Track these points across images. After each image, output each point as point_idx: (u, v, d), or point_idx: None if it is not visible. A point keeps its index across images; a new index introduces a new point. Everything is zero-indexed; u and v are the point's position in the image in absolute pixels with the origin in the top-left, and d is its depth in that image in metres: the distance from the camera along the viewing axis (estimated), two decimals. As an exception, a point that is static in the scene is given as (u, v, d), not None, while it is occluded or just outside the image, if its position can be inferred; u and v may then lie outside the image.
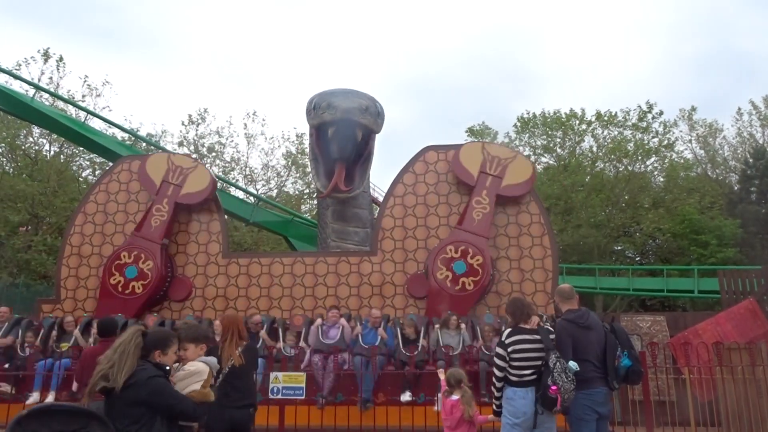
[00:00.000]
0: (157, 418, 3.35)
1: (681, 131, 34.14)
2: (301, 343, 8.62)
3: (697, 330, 10.61)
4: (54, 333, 8.98)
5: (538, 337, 4.92)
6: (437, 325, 8.51)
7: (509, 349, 4.89)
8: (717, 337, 9.93)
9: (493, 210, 9.71)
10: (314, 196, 28.36)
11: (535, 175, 10.24)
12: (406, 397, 7.70)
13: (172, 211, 10.18)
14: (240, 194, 25.17)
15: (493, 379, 5.04)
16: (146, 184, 10.54)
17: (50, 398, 7.85)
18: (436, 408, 6.83)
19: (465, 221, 9.60)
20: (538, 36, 62.34)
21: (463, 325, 8.53)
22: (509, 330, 5.04)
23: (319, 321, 8.63)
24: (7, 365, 8.59)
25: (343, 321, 8.60)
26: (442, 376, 5.94)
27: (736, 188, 31.58)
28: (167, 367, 3.57)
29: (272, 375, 7.14)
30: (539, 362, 4.83)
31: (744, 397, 8.50)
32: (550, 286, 9.62)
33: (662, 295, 24.41)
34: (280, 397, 7.12)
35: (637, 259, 31.65)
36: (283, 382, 6.96)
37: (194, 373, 3.77)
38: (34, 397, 7.96)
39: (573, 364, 4.72)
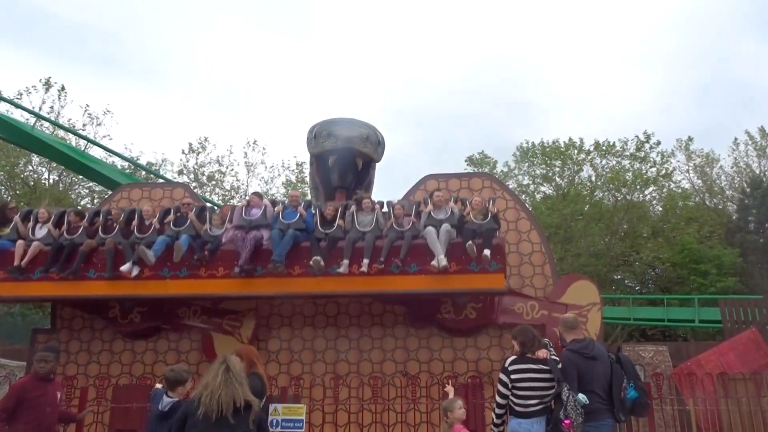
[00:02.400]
0: None
1: (678, 161, 34.41)
2: (226, 225, 9.07)
3: (700, 360, 10.51)
4: None
5: (545, 367, 4.85)
6: (353, 206, 9.07)
7: (512, 377, 4.82)
8: (720, 367, 9.83)
9: None
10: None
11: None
12: (315, 258, 8.31)
13: None
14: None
15: (495, 407, 4.96)
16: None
17: None
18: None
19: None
20: (537, 65, 63.14)
21: (377, 206, 9.10)
22: (514, 358, 4.96)
23: (244, 202, 9.19)
24: None
25: (266, 201, 9.26)
26: (451, 393, 5.92)
27: (734, 217, 31.65)
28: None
29: (271, 407, 7.01)
30: (546, 392, 4.76)
31: (750, 428, 8.38)
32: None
33: (663, 324, 24.26)
34: (279, 430, 6.98)
35: (637, 288, 31.55)
36: (282, 414, 6.83)
37: None
38: None
39: (582, 397, 4.65)
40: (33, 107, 25.61)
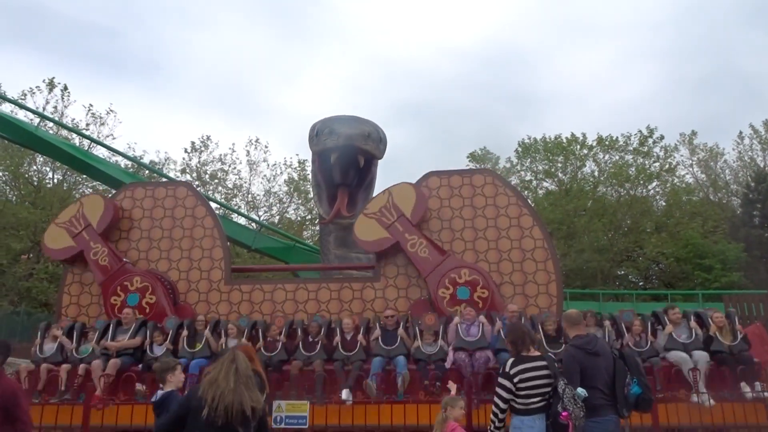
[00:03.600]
0: None
1: (682, 156, 34.34)
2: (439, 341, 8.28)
3: (705, 355, 10.47)
4: (184, 333, 8.92)
5: (543, 363, 4.85)
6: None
7: (515, 380, 4.78)
8: (725, 362, 9.79)
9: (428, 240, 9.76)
10: (316, 222, 28.35)
11: (420, 195, 10.05)
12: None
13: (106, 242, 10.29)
14: (242, 221, 25.19)
15: (494, 409, 4.86)
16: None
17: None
18: None
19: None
20: (540, 59, 63.02)
21: (607, 322, 8.32)
22: (513, 360, 4.92)
23: (457, 319, 8.32)
24: (140, 365, 8.62)
25: (482, 319, 8.35)
26: (453, 390, 5.93)
27: (738, 212, 31.57)
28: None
29: (275, 403, 7.04)
30: (546, 389, 4.75)
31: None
32: (555, 311, 9.53)
33: (667, 320, 24.25)
34: (283, 426, 7.01)
35: (641, 283, 31.52)
36: (286, 410, 6.86)
37: None
38: None
39: (581, 391, 4.64)
40: (37, 107, 25.73)
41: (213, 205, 13.84)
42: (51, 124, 24.29)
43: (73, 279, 10.62)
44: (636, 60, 60.31)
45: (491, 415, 4.88)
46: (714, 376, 7.67)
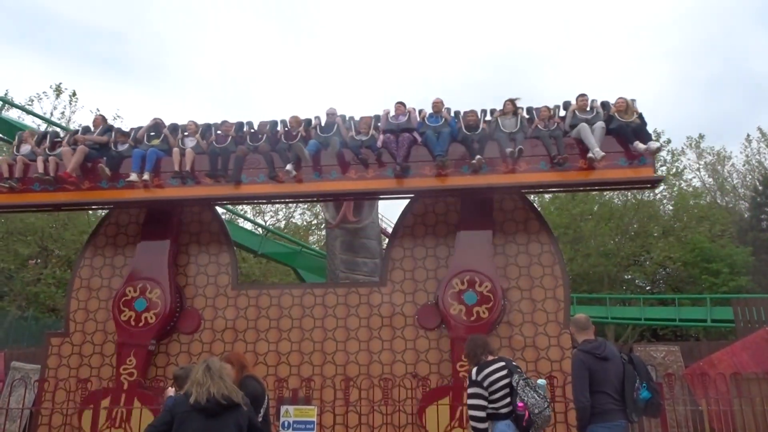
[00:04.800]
0: None
1: (689, 159, 34.20)
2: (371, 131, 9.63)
3: (713, 360, 10.43)
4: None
5: (503, 364, 4.92)
6: (497, 110, 9.57)
7: (485, 383, 4.79)
8: (733, 367, 9.76)
9: None
10: (323, 227, 28.41)
11: None
12: (475, 160, 8.76)
13: None
14: (248, 226, 25.26)
15: (474, 422, 4.80)
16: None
17: (146, 177, 9.36)
18: None
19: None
20: (544, 62, 63.01)
21: (520, 110, 9.48)
22: (476, 368, 4.93)
23: (387, 109, 9.75)
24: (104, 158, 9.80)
25: (410, 108, 9.72)
26: None
27: (746, 216, 31.43)
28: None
29: (282, 408, 7.05)
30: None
31: (763, 429, 8.31)
32: (562, 316, 9.50)
33: (674, 324, 24.12)
34: (290, 431, 7.01)
35: (648, 288, 31.37)
36: (294, 416, 6.86)
37: None
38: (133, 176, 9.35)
39: (541, 381, 4.86)
40: (44, 113, 25.86)
41: (219, 209, 13.88)
42: (58, 130, 24.44)
43: (81, 284, 10.67)
44: (644, 62, 60.21)
45: (472, 423, 4.83)
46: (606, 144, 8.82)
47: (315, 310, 10.02)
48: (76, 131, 10.57)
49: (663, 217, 30.95)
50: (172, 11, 65.70)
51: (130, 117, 59.33)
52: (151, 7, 64.23)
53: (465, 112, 9.58)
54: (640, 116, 8.95)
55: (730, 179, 34.90)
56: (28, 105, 26.13)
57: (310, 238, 32.99)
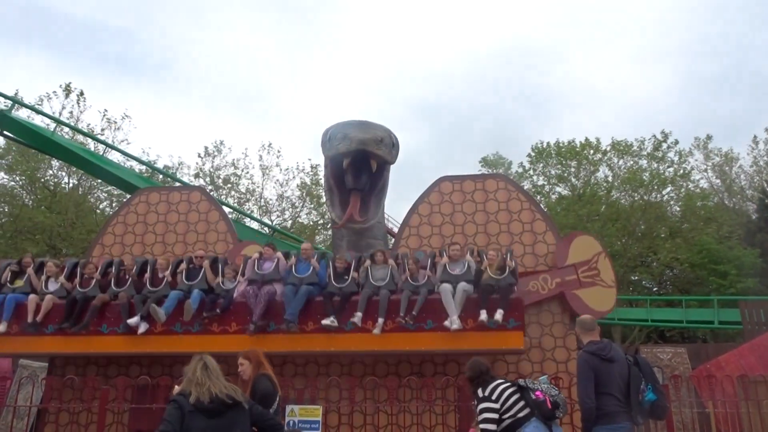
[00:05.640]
0: None
1: (696, 160, 34.04)
2: (239, 277, 8.98)
3: (720, 362, 10.40)
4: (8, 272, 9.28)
5: (504, 380, 5.02)
6: (367, 260, 8.92)
7: (493, 397, 4.78)
8: (741, 369, 9.72)
9: None
10: (329, 226, 28.42)
11: None
12: (326, 321, 8.23)
13: None
14: (255, 225, 25.32)
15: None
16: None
17: (2, 328, 8.70)
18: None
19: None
20: (552, 60, 62.82)
21: (391, 260, 8.92)
22: (481, 387, 4.92)
23: (256, 255, 9.09)
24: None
25: (279, 254, 9.05)
26: None
27: (754, 217, 31.26)
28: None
29: (288, 408, 7.07)
30: (521, 394, 4.85)
31: (771, 432, 8.27)
32: (568, 319, 9.51)
33: (681, 326, 24.01)
34: (296, 429, 7.02)
35: (655, 289, 31.26)
36: (299, 415, 6.87)
37: None
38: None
39: (543, 378, 4.96)
40: (53, 113, 26.02)
41: (226, 209, 13.93)
42: (67, 129, 24.62)
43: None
44: (651, 60, 59.94)
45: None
46: (471, 305, 8.17)
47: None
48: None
49: (670, 219, 30.82)
50: (182, 9, 66.00)
51: (139, 116, 59.60)
52: (161, 7, 64.53)
53: (335, 258, 9.14)
54: (512, 272, 8.31)
55: (737, 181, 34.72)
56: (38, 104, 26.30)
57: (317, 237, 33.04)
